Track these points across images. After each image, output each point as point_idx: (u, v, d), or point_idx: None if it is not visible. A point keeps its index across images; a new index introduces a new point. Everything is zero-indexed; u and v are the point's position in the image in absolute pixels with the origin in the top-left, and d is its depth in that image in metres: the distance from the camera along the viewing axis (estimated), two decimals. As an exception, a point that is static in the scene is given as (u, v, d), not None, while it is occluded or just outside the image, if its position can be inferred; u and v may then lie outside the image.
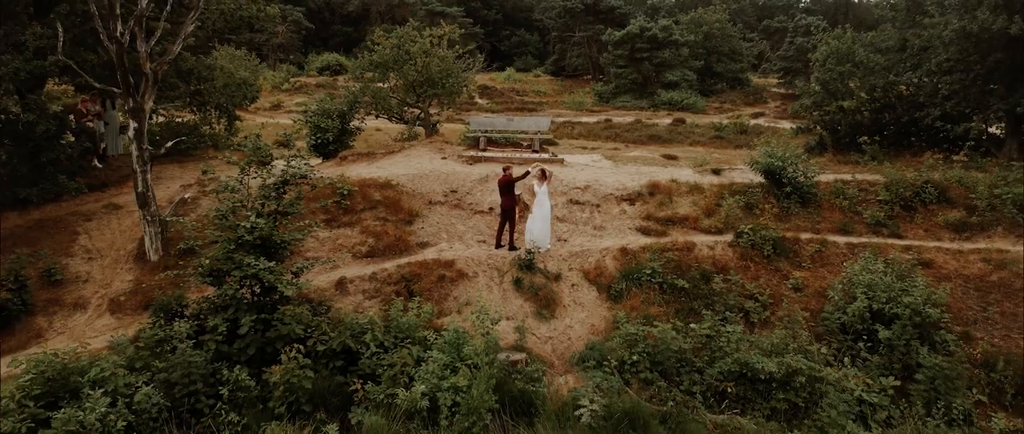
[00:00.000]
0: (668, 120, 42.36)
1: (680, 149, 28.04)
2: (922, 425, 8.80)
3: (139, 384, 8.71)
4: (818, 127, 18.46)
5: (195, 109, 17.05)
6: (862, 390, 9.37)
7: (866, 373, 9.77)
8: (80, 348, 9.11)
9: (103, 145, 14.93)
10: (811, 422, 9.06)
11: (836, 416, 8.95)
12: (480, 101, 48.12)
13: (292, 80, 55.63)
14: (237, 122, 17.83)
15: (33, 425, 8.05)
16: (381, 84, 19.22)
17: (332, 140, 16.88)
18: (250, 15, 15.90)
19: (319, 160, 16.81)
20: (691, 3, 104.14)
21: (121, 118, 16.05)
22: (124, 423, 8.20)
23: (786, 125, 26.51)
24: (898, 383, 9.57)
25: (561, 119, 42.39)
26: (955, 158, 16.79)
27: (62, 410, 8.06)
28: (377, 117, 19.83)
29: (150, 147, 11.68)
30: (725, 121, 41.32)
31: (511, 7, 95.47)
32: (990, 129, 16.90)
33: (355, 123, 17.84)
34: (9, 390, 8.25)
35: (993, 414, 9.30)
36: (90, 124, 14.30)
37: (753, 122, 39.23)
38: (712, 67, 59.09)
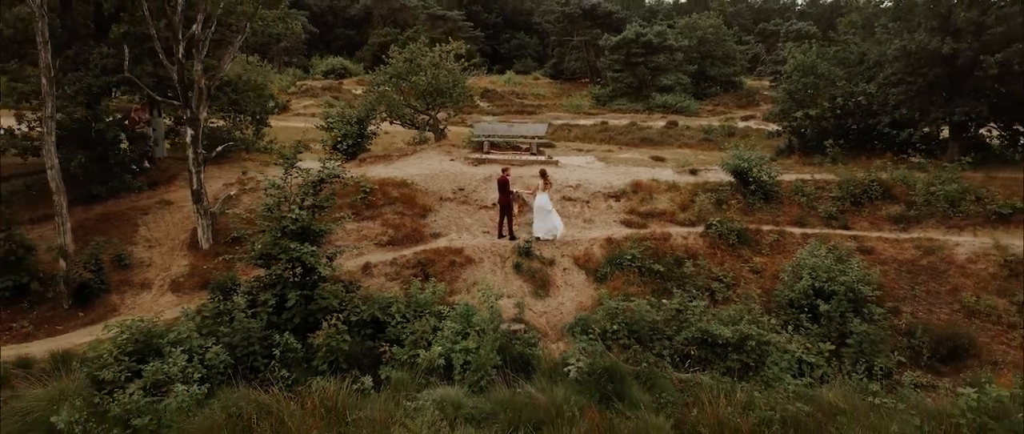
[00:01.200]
0: (662, 123, 44.16)
1: (669, 151, 29.95)
2: (847, 379, 10.76)
3: (208, 345, 10.68)
4: (787, 132, 20.49)
5: (228, 116, 19.01)
6: (802, 352, 11.36)
7: (808, 340, 11.75)
8: (156, 318, 11.08)
9: (151, 148, 16.91)
10: (758, 377, 11.03)
11: (778, 372, 10.93)
12: (482, 104, 49.87)
13: (298, 84, 57.38)
14: (263, 128, 19.83)
15: (129, 375, 10.00)
16: (396, 95, 21.19)
17: (352, 143, 18.86)
18: (278, 32, 17.86)
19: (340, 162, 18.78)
20: (688, 7, 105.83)
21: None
22: (199, 375, 10.15)
23: (775, 128, 28.52)
24: (833, 347, 11.55)
25: (559, 121, 44.05)
26: (912, 159, 18.76)
27: (150, 363, 10.02)
28: (391, 123, 21.82)
29: (203, 150, 13.68)
30: (716, 123, 43.27)
31: (511, 10, 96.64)
32: (941, 133, 18.88)
33: (372, 128, 19.82)
34: (107, 347, 10.20)
35: (910, 372, 11.28)
36: (141, 130, 16.28)
37: (743, 124, 41.08)
38: (706, 71, 60.52)
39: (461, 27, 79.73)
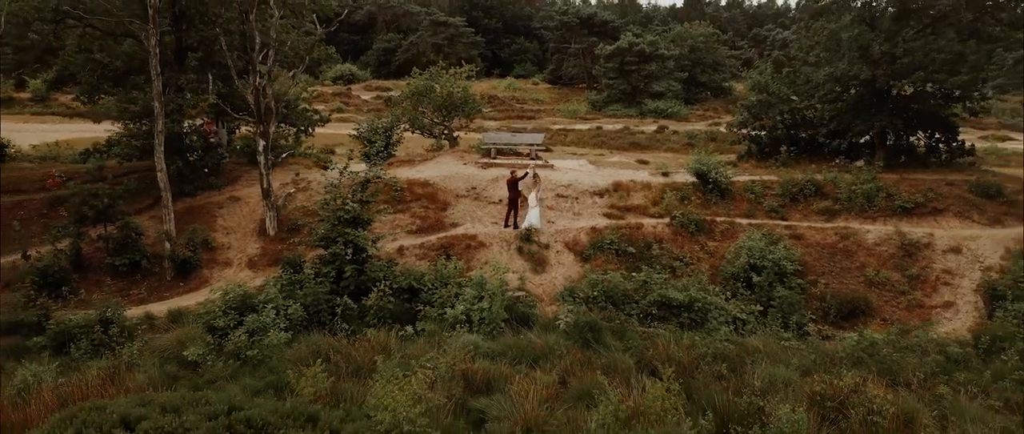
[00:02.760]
0: (653, 127, 47.47)
1: (654, 155, 33.50)
2: (768, 329, 14.36)
3: (289, 304, 14.24)
4: (746, 140, 24.18)
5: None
6: (736, 312, 14.94)
7: (742, 303, 15.33)
8: (245, 285, 14.64)
9: (222, 155, 20.50)
10: (702, 330, 14.59)
11: (717, 325, 14.51)
12: (484, 109, 53.12)
13: (309, 90, 60.66)
14: (305, 137, 23.43)
15: (234, 323, 13.55)
16: (416, 109, 24.84)
17: (380, 150, 22.40)
18: (320, 56, 21.44)
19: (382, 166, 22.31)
20: (684, 12, 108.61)
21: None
22: (284, 325, 13.72)
23: (738, 133, 31.99)
24: (761, 308, 15.13)
25: (557, 126, 47.23)
26: (856, 164, 22.31)
27: (249, 316, 13.58)
28: (412, 132, 25.46)
29: (273, 156, 17.27)
30: (702, 128, 46.78)
31: (511, 16, 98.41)
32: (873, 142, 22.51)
33: (396, 137, 23.44)
34: (217, 304, 13.75)
35: (818, 326, 14.87)
36: (212, 140, 19.86)
37: (727, 129, 44.51)
38: (697, 78, 63.40)
39: (462, 33, 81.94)
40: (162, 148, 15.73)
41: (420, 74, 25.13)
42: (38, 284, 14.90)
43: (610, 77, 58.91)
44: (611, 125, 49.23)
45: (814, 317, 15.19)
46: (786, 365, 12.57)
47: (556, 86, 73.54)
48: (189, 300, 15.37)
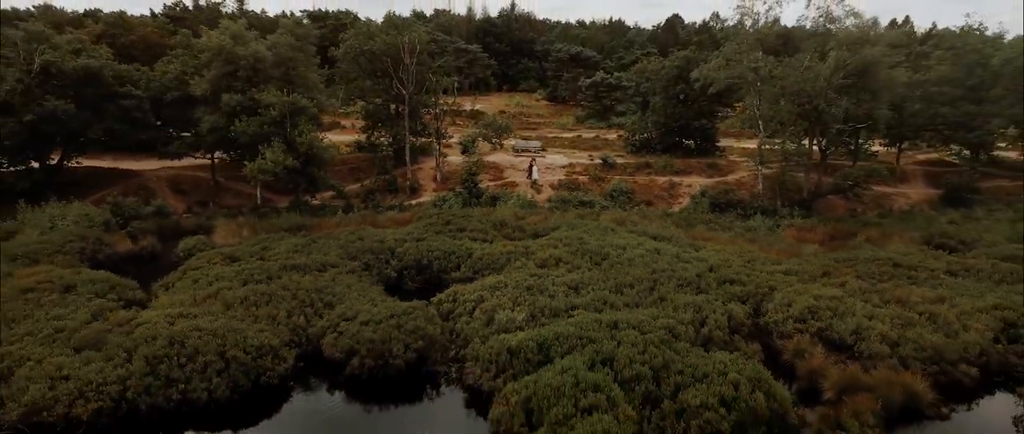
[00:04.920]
0: (614, 136, 75.80)
1: (600, 152, 62.61)
2: (614, 208, 43.72)
3: (457, 199, 43.33)
4: (630, 144, 53.56)
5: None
6: (605, 203, 44.34)
7: (607, 200, 44.72)
8: (437, 195, 43.83)
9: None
10: (592, 209, 43.93)
11: (597, 207, 43.93)
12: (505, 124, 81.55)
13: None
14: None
15: (442, 203, 42.53)
16: (484, 129, 54.37)
17: (472, 148, 51.54)
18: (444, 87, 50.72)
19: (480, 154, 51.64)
20: (663, 36, 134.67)
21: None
22: (460, 204, 42.86)
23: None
24: (614, 203, 44.49)
25: (551, 134, 75.60)
26: (665, 154, 51.42)
27: (444, 203, 42.78)
28: (482, 141, 54.73)
29: (441, 150, 46.59)
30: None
31: (517, 40, 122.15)
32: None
33: (477, 142, 52.73)
34: (433, 199, 42.76)
35: (633, 206, 44.27)
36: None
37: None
38: (649, 101, 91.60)
39: (479, 58, 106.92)
40: (408, 148, 44.90)
41: (483, 115, 54.43)
42: (366, 195, 44.13)
43: (588, 100, 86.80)
44: (587, 134, 76.50)
45: (634, 204, 44.45)
46: (614, 215, 41.87)
47: (553, 103, 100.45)
48: (418, 200, 44.71)
